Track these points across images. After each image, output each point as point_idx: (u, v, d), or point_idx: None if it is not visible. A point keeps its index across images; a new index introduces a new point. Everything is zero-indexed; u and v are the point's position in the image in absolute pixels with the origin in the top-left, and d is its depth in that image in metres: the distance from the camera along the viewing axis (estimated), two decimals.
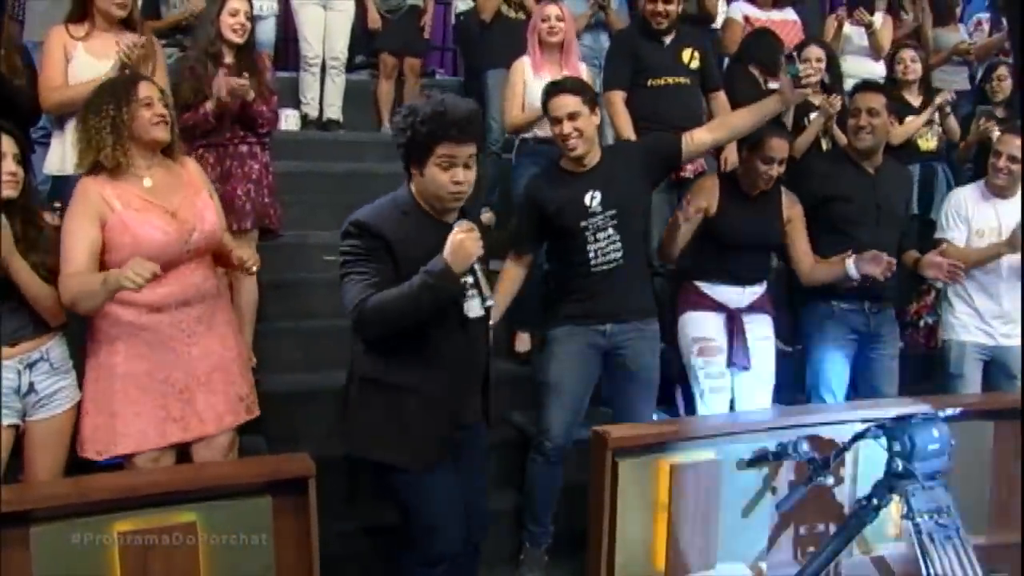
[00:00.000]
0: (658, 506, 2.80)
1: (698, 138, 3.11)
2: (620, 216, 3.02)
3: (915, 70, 4.71)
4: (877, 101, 3.47)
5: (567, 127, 2.99)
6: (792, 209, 3.43)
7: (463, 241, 2.25)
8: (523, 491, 3.27)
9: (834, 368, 3.52)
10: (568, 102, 3.00)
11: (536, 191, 3.13)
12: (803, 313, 3.61)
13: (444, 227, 2.34)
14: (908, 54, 4.75)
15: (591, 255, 3.04)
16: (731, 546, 2.90)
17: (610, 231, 3.02)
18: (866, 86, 3.67)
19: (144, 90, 2.62)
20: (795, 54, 4.00)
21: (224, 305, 2.82)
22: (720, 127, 3.22)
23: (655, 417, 3.34)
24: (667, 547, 2.82)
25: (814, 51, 4.37)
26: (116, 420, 2.58)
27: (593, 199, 3.01)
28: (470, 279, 2.38)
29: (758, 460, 2.81)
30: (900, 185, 3.68)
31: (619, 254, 3.04)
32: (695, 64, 4.06)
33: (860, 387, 3.59)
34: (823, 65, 4.31)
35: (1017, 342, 3.65)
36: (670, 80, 3.97)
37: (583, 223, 3.02)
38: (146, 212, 2.56)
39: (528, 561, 3.25)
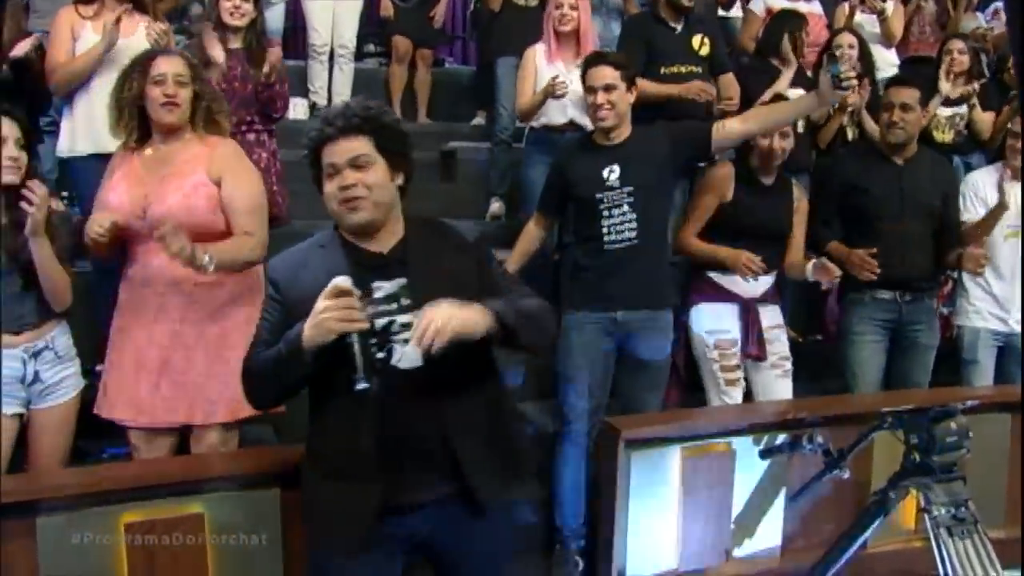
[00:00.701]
0: (670, 498, 2.78)
1: (729, 127, 3.09)
2: (637, 195, 3.02)
3: (962, 62, 4.57)
4: (911, 96, 3.44)
5: (600, 97, 3.04)
6: (801, 201, 3.42)
7: (320, 311, 1.80)
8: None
9: (860, 357, 3.47)
10: (606, 73, 3.05)
11: (564, 157, 3.22)
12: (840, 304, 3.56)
13: (370, 256, 1.97)
14: (956, 45, 4.60)
15: (605, 231, 3.04)
16: (744, 539, 2.87)
17: (625, 208, 3.03)
18: (899, 80, 3.64)
19: (160, 67, 2.56)
20: (837, 53, 3.94)
21: (223, 304, 2.60)
22: (753, 118, 3.17)
23: None
24: (679, 539, 2.80)
25: (846, 38, 4.32)
26: (107, 386, 2.61)
27: (612, 173, 3.04)
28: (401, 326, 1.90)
29: (773, 452, 2.78)
30: (934, 175, 3.55)
31: (634, 234, 3.03)
32: (705, 51, 4.01)
33: (892, 375, 3.53)
34: (855, 52, 4.24)
35: None
36: (683, 68, 3.93)
37: (598, 195, 3.05)
38: (124, 179, 2.56)
39: (557, 562, 3.16)
